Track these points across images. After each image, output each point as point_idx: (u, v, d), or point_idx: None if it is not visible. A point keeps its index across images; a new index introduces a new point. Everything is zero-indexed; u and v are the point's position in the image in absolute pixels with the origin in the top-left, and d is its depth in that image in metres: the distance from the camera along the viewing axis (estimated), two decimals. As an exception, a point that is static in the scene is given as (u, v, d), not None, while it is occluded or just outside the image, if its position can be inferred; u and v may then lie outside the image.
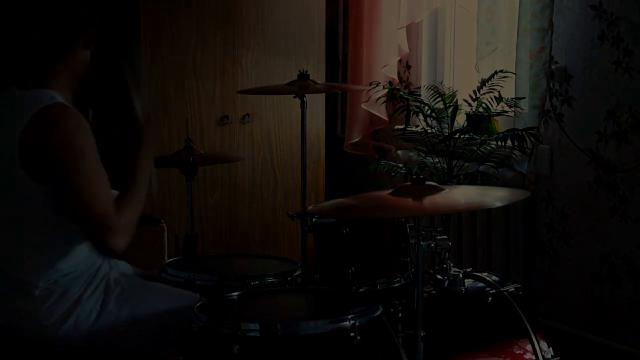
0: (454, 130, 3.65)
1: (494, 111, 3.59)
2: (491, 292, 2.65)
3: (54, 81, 2.44)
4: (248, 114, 4.23)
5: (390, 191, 2.39)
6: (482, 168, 3.61)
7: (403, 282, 2.66)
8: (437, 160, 3.71)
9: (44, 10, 2.43)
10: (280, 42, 4.26)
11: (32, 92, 2.40)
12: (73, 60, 2.48)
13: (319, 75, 4.23)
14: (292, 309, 2.49)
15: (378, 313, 2.31)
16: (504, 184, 3.66)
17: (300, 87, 3.33)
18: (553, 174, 3.64)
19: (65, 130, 2.34)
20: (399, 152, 4.30)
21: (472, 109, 3.65)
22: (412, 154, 4.00)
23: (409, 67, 4.42)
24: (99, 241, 2.37)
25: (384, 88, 3.93)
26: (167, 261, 2.98)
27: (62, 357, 2.43)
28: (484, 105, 3.60)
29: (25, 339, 2.43)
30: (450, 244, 2.49)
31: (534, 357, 2.56)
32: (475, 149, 3.63)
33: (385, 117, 4.28)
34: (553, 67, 3.55)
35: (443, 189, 2.36)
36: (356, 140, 4.40)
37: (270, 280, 2.74)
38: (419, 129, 3.94)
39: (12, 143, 2.34)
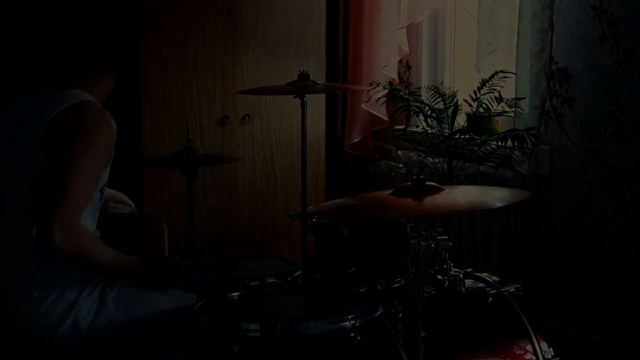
0: (454, 130, 3.65)
1: (494, 111, 3.59)
2: (491, 292, 2.65)
3: (88, 88, 2.49)
4: (248, 114, 4.23)
5: (390, 191, 2.39)
6: (482, 168, 3.61)
7: (403, 282, 2.66)
8: (437, 160, 3.71)
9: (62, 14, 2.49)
10: (280, 42, 4.26)
11: (67, 90, 2.45)
12: (112, 79, 2.56)
13: (319, 75, 4.23)
14: (292, 309, 2.49)
15: (378, 313, 2.31)
16: (504, 184, 3.65)
17: (300, 87, 3.32)
18: (553, 174, 3.64)
19: (94, 125, 2.38)
20: (399, 152, 4.30)
21: (472, 109, 3.64)
22: (412, 154, 4.00)
23: (409, 67, 4.41)
24: (48, 234, 2.27)
25: (384, 88, 3.93)
26: (167, 261, 2.98)
27: (61, 358, 2.43)
28: (484, 105, 3.60)
29: (24, 340, 2.43)
30: (450, 244, 2.49)
31: (534, 357, 2.56)
32: (475, 149, 3.62)
33: (385, 117, 4.28)
34: (553, 67, 3.55)
35: (443, 189, 2.36)
36: (356, 140, 4.40)
37: (270, 280, 2.74)
38: (419, 129, 3.94)
39: (38, 134, 2.37)
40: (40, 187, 2.36)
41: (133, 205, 3.32)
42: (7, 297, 2.44)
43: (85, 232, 2.36)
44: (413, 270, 2.48)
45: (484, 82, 3.58)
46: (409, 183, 2.38)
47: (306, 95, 3.36)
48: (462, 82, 4.17)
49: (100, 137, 2.38)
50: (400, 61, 4.32)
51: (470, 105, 3.63)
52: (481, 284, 2.71)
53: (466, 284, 2.64)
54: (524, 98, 3.57)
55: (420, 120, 3.97)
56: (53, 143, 2.36)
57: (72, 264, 2.37)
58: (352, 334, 2.20)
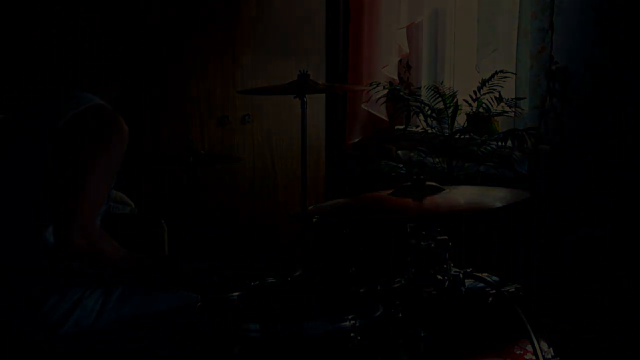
0: (454, 130, 3.65)
1: (494, 111, 3.59)
2: (491, 292, 2.65)
3: (96, 90, 2.50)
4: (248, 114, 4.23)
5: (390, 191, 2.39)
6: (482, 168, 3.61)
7: (403, 282, 2.66)
8: (437, 160, 3.71)
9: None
10: (280, 42, 4.26)
11: (80, 93, 2.47)
12: (118, 82, 2.58)
13: (319, 75, 4.24)
14: (292, 309, 2.49)
15: (378, 313, 2.31)
16: (504, 184, 3.65)
17: (300, 87, 3.33)
18: (553, 174, 3.64)
19: (109, 128, 2.40)
20: (399, 152, 4.30)
21: (472, 109, 3.65)
22: (412, 154, 4.00)
23: (409, 67, 4.41)
24: (67, 234, 2.29)
25: (384, 88, 3.93)
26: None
27: (62, 357, 2.43)
28: (484, 105, 3.60)
29: (26, 339, 2.43)
30: (450, 244, 2.49)
31: (533, 357, 2.56)
32: (475, 149, 3.63)
33: (385, 117, 4.28)
34: (553, 67, 3.55)
35: (443, 189, 2.36)
36: (356, 140, 4.40)
37: (270, 280, 2.75)
38: (419, 129, 3.94)
39: (51, 135, 2.38)
40: (47, 187, 2.36)
41: (133, 205, 3.32)
42: (9, 296, 2.45)
43: (102, 233, 2.38)
44: (413, 270, 2.48)
45: (484, 82, 3.58)
46: (409, 183, 2.38)
47: (306, 95, 3.36)
48: (462, 82, 4.17)
49: (115, 140, 2.40)
50: (400, 61, 4.32)
51: (470, 105, 3.63)
52: (481, 284, 2.71)
53: (466, 284, 2.64)
54: (524, 98, 3.57)
55: (420, 120, 3.97)
56: (66, 144, 2.36)
57: (88, 264, 2.38)
58: (352, 334, 2.20)
